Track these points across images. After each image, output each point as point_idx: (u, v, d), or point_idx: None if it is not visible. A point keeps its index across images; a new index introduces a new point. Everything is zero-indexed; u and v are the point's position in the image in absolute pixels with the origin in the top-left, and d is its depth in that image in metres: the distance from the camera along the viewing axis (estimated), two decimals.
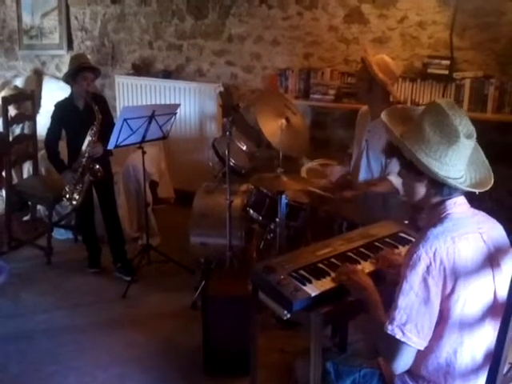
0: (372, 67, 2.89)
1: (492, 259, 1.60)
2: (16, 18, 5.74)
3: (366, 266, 1.97)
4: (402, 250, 2.08)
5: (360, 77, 3.08)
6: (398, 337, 1.53)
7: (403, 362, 1.57)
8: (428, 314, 1.54)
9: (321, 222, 3.16)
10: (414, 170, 1.62)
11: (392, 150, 1.69)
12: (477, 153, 1.68)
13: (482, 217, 1.68)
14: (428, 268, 1.52)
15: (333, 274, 1.89)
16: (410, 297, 1.53)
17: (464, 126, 1.56)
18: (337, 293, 1.82)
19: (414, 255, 1.54)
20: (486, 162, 1.69)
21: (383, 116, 1.74)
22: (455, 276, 1.53)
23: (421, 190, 1.65)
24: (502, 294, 1.57)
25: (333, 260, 1.99)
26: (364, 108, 3.25)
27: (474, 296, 1.55)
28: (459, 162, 1.59)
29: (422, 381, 1.64)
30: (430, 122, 1.58)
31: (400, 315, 1.54)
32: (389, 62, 2.97)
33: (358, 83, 3.16)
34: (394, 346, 1.56)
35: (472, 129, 1.59)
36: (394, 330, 1.54)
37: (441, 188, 1.62)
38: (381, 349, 1.68)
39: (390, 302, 1.60)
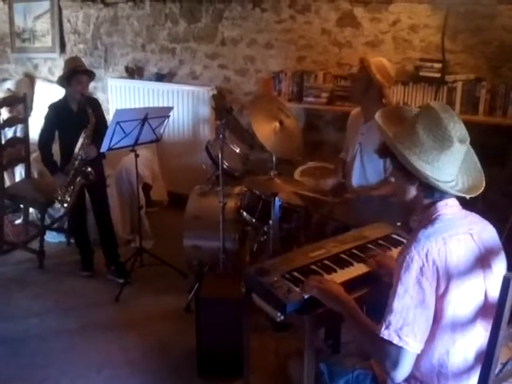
0: (371, 67, 2.94)
1: (483, 260, 1.61)
2: (8, 21, 5.73)
3: (359, 268, 1.98)
4: (395, 251, 2.09)
5: (357, 77, 3.11)
6: (394, 342, 1.50)
7: (404, 369, 1.52)
8: (424, 316, 1.52)
9: (314, 224, 3.16)
10: (405, 172, 1.62)
11: (385, 150, 1.69)
12: (469, 156, 1.68)
13: (474, 218, 1.68)
14: (421, 269, 1.52)
15: (326, 276, 1.90)
16: (405, 300, 1.52)
17: (457, 130, 1.57)
18: None
19: (407, 257, 1.54)
20: (479, 164, 1.69)
21: (377, 116, 1.73)
22: (448, 276, 1.52)
23: (412, 191, 1.66)
24: (493, 294, 1.57)
25: (326, 262, 2.00)
26: (356, 110, 3.26)
27: (465, 296, 1.55)
28: (451, 166, 1.59)
29: (414, 381, 1.63)
30: (423, 126, 1.58)
31: (396, 319, 1.51)
32: (387, 65, 3.01)
33: (355, 84, 3.22)
34: (392, 353, 1.51)
35: (465, 133, 1.60)
36: (390, 334, 1.51)
37: (431, 191, 1.62)
38: (377, 357, 1.65)
39: (384, 305, 1.60)
